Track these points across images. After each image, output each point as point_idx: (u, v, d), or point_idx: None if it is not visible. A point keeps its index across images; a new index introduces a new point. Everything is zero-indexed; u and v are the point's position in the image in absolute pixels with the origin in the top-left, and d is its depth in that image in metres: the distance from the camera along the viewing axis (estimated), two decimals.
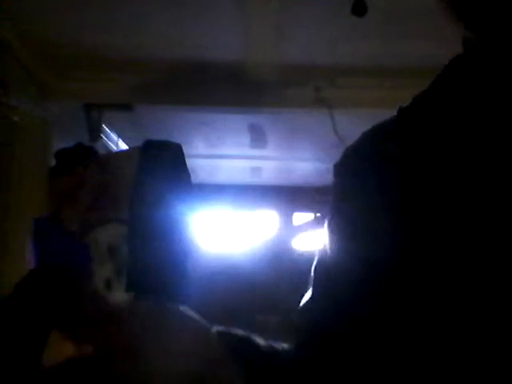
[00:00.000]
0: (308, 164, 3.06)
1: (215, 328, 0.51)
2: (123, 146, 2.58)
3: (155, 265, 1.29)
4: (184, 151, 1.69)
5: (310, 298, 0.55)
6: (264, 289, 3.25)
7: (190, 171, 1.56)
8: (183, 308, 0.48)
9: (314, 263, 0.56)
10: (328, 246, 0.54)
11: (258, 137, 2.80)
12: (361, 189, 0.51)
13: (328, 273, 0.54)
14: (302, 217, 3.67)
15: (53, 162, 2.40)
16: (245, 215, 3.73)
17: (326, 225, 0.55)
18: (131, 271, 1.48)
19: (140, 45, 2.00)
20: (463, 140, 0.45)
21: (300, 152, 3.04)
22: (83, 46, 2.01)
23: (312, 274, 0.56)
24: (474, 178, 0.43)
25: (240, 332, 0.54)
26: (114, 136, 2.53)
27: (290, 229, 3.64)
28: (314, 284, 0.55)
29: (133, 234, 1.39)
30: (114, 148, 2.54)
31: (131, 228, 1.40)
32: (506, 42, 0.45)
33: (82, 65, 2.12)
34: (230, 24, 1.83)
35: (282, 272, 3.28)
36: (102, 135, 2.35)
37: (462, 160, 0.44)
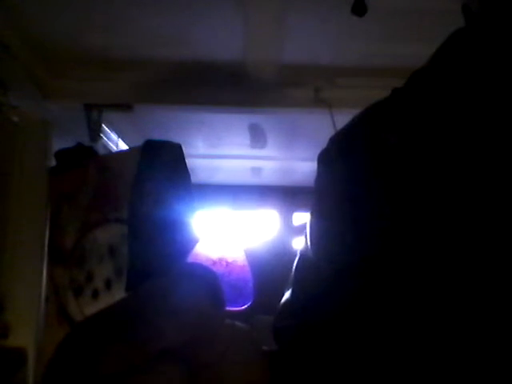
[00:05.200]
0: (308, 164, 3.05)
1: None
2: (123, 146, 2.58)
3: (155, 264, 1.29)
4: (184, 151, 1.69)
5: (290, 294, 0.54)
6: (264, 289, 3.25)
7: (190, 171, 1.56)
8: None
9: (296, 259, 0.55)
10: (306, 242, 0.53)
11: (257, 137, 2.80)
12: (343, 177, 0.49)
13: (305, 270, 0.52)
14: (302, 217, 3.66)
15: (53, 162, 2.41)
16: (245, 215, 3.73)
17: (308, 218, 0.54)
18: (131, 271, 1.48)
19: (140, 45, 2.00)
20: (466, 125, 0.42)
21: (300, 152, 3.03)
22: (83, 45, 2.01)
23: (293, 270, 0.55)
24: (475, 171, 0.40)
25: None
26: (114, 136, 2.53)
27: (289, 229, 3.64)
28: (294, 281, 0.54)
29: (133, 234, 1.39)
30: (114, 148, 2.53)
31: (131, 228, 1.40)
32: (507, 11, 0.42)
33: (81, 65, 2.12)
34: (230, 24, 1.83)
35: (282, 272, 3.27)
36: (101, 135, 2.35)
37: (463, 149, 0.41)
